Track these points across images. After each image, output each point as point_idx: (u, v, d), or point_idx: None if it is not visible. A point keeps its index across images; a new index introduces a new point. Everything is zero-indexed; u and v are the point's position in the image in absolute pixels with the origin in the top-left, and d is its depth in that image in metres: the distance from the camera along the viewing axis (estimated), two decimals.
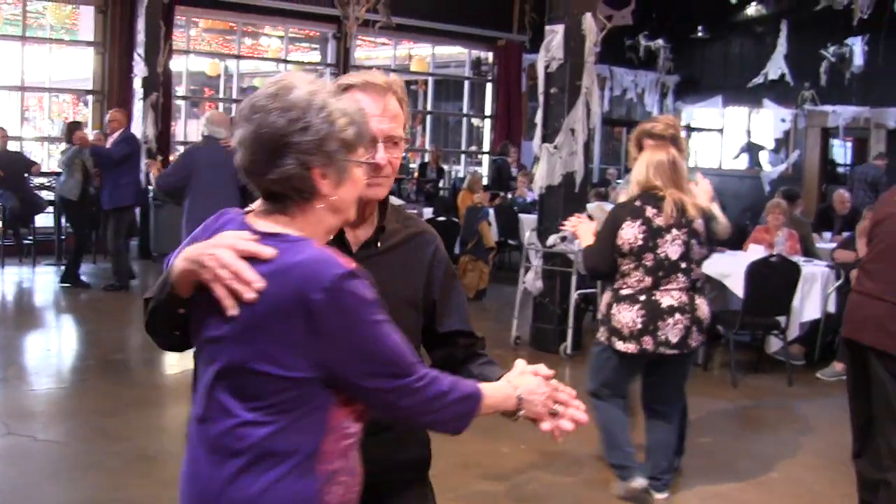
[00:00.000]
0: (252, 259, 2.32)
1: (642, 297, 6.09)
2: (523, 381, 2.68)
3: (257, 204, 2.51)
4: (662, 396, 6.49)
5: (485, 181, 19.68)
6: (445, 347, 3.14)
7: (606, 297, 6.39)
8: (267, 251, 2.32)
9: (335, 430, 2.42)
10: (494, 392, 2.63)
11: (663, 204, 6.07)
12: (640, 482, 6.31)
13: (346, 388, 2.39)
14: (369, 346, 2.35)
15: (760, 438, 8.12)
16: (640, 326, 6.06)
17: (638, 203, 6.12)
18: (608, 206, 6.48)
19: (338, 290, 2.28)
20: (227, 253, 2.32)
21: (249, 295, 2.29)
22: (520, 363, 2.76)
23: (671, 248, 6.07)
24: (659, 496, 6.43)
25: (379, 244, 3.00)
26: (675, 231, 6.07)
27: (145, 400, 8.49)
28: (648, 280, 6.09)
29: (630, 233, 6.06)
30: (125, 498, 6.28)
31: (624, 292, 6.17)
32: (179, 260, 2.41)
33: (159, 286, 2.50)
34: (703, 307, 6.25)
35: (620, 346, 6.16)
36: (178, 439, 7.69)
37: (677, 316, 6.07)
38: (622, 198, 6.61)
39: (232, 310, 2.31)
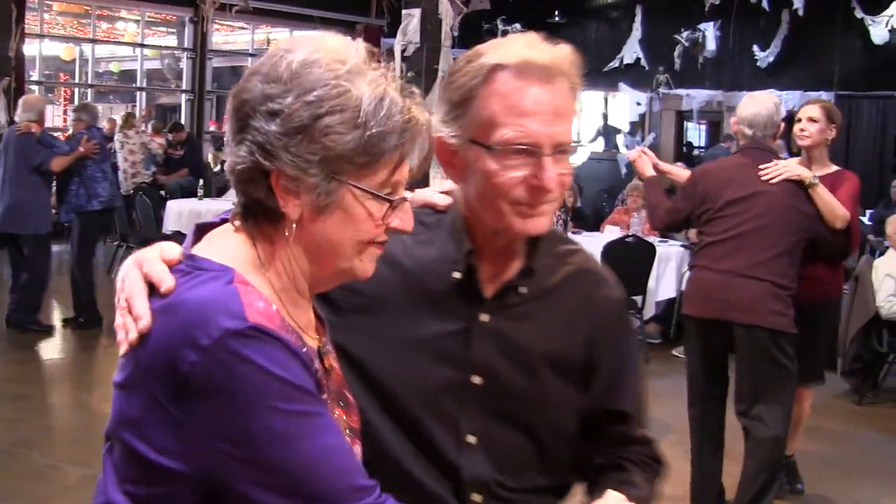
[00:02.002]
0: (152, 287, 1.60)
1: None
2: None
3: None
4: None
5: None
6: (592, 436, 2.17)
7: None
8: (166, 282, 1.57)
9: None
10: None
11: None
12: None
13: None
14: (265, 449, 1.49)
15: None
16: None
17: None
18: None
19: (222, 353, 1.47)
20: (135, 273, 1.63)
21: (131, 335, 1.55)
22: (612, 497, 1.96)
23: None
24: None
25: (523, 289, 2.09)
26: None
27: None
28: None
29: None
30: None
31: None
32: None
33: None
34: None
35: None
36: (35, 431, 7.60)
37: None
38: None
39: (121, 345, 1.58)
